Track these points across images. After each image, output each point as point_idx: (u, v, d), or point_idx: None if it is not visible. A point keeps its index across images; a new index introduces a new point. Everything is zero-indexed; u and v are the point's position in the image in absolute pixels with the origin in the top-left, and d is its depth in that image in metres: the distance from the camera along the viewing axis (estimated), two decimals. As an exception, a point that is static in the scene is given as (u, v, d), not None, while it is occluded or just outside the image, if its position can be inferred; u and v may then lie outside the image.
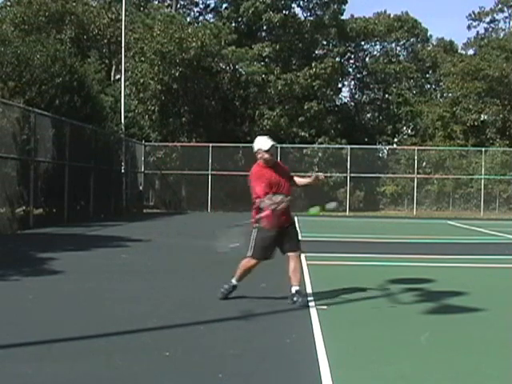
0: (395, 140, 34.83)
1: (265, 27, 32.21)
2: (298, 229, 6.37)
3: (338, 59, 33.55)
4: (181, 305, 5.94)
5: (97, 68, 25.84)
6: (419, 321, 5.36)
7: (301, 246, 6.15)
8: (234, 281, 6.06)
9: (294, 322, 5.22)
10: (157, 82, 25.80)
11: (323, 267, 8.81)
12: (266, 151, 5.93)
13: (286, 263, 6.07)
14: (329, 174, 26.75)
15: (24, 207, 14.53)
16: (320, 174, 6.45)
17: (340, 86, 35.05)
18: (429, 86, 38.20)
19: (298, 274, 6.04)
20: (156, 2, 35.85)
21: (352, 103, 37.50)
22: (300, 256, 6.15)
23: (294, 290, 5.96)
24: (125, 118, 24.07)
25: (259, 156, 5.99)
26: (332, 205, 6.57)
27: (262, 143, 5.98)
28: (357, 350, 4.39)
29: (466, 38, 68.53)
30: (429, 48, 37.70)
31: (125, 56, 25.06)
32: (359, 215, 24.58)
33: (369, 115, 38.16)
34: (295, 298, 5.89)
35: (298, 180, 6.35)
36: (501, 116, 30.58)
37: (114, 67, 32.23)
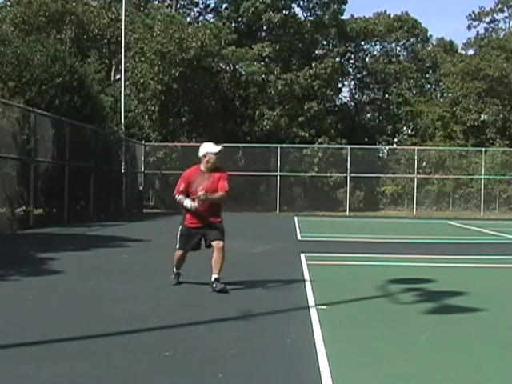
0: (395, 140, 34.82)
1: (265, 27, 32.20)
2: (223, 228, 6.63)
3: (338, 59, 33.53)
4: (181, 305, 5.95)
5: (97, 68, 25.83)
6: (419, 321, 5.36)
7: (223, 238, 6.52)
8: (174, 269, 6.86)
9: (294, 322, 5.22)
10: (157, 82, 25.80)
11: (323, 267, 8.81)
12: (215, 154, 6.51)
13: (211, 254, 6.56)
14: (329, 175, 26.80)
15: (24, 207, 14.52)
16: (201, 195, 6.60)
17: (340, 86, 35.05)
18: (429, 86, 38.19)
19: (218, 265, 6.45)
20: (156, 2, 35.85)
21: (352, 103, 37.50)
22: (222, 248, 6.47)
23: (213, 277, 6.46)
24: (125, 118, 24.06)
25: (206, 159, 6.53)
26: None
27: (211, 147, 6.58)
28: (357, 350, 4.38)
29: (466, 37, 68.63)
30: (429, 48, 37.69)
31: (125, 56, 25.05)
32: (359, 215, 24.58)
33: (369, 115, 38.16)
34: (214, 285, 6.40)
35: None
36: (501, 116, 30.58)
37: (114, 67, 32.22)
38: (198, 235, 6.58)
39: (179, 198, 6.58)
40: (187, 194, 6.59)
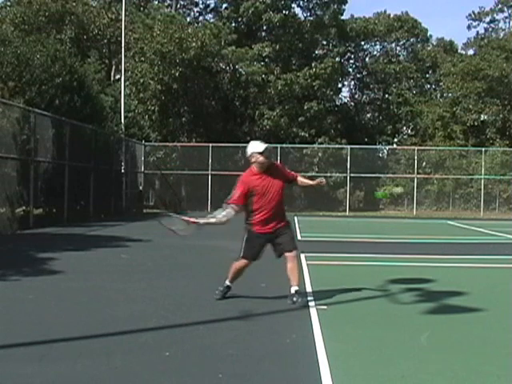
0: (395, 140, 34.86)
1: (265, 27, 32.20)
2: (292, 230, 6.29)
3: (338, 59, 33.54)
4: (181, 305, 5.94)
5: (97, 68, 25.85)
6: (419, 321, 5.36)
7: (297, 246, 6.13)
8: (227, 282, 6.14)
9: (294, 322, 5.22)
10: (157, 82, 25.81)
11: (323, 267, 8.81)
12: (261, 153, 5.98)
13: (285, 264, 6.07)
14: (329, 175, 26.82)
15: (24, 207, 14.53)
16: (323, 179, 6.64)
17: (340, 86, 35.07)
18: (429, 86, 38.20)
19: (295, 274, 6.05)
20: (156, 2, 35.85)
21: (352, 103, 37.51)
22: (296, 256, 6.13)
23: (293, 290, 5.99)
24: (125, 117, 24.06)
25: (253, 160, 6.01)
26: (398, 190, 6.87)
27: (256, 146, 6.05)
28: (357, 350, 4.38)
29: (466, 38, 68.65)
30: (429, 48, 37.71)
31: (125, 56, 25.06)
32: (359, 215, 24.58)
33: (369, 115, 38.18)
34: (294, 298, 5.90)
35: (300, 180, 6.59)
36: (501, 116, 30.59)
37: (113, 67, 32.24)
38: (265, 242, 6.04)
39: (229, 212, 5.88)
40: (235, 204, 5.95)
